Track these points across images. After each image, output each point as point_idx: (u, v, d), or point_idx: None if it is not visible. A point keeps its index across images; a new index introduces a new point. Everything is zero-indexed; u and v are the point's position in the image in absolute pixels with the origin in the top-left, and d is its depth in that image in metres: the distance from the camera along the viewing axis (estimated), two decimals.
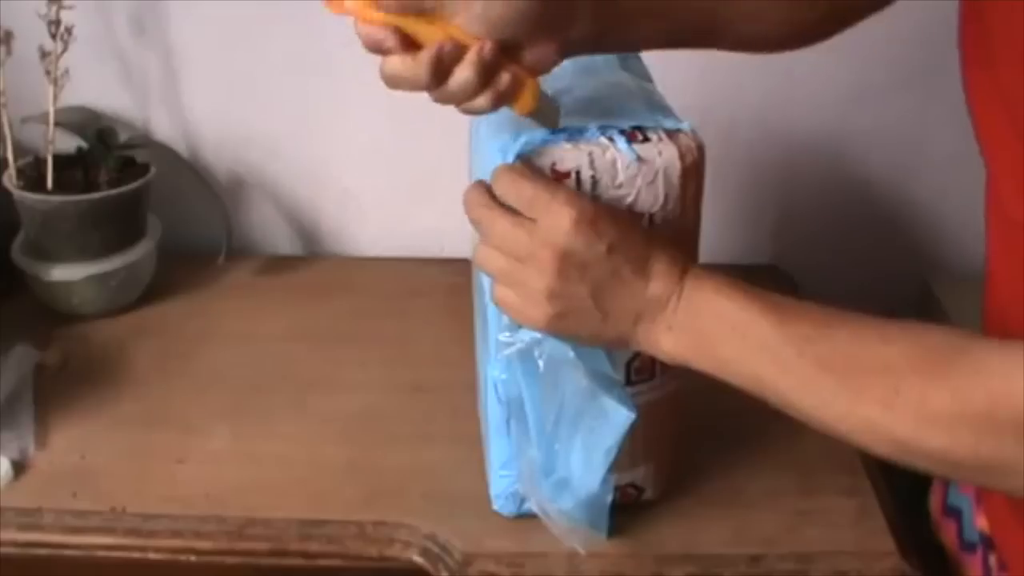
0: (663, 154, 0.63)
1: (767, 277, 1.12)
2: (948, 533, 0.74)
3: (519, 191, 0.59)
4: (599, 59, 0.74)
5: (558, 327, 0.60)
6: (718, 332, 0.57)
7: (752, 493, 0.79)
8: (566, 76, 0.71)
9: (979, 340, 0.52)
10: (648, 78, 0.74)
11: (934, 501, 0.78)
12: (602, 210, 0.59)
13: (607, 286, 0.58)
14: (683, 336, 0.58)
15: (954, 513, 0.74)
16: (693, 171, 0.64)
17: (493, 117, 0.66)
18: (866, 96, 1.09)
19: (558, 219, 0.58)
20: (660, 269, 0.59)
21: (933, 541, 0.77)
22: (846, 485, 0.80)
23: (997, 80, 0.56)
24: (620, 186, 0.62)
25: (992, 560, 0.68)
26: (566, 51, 0.61)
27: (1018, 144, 0.54)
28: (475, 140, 0.74)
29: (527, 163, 0.62)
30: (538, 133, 0.63)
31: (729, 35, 0.67)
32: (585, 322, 0.59)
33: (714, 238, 1.13)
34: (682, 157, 0.63)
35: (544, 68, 0.60)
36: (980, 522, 0.70)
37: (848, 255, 1.16)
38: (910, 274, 1.14)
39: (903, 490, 0.82)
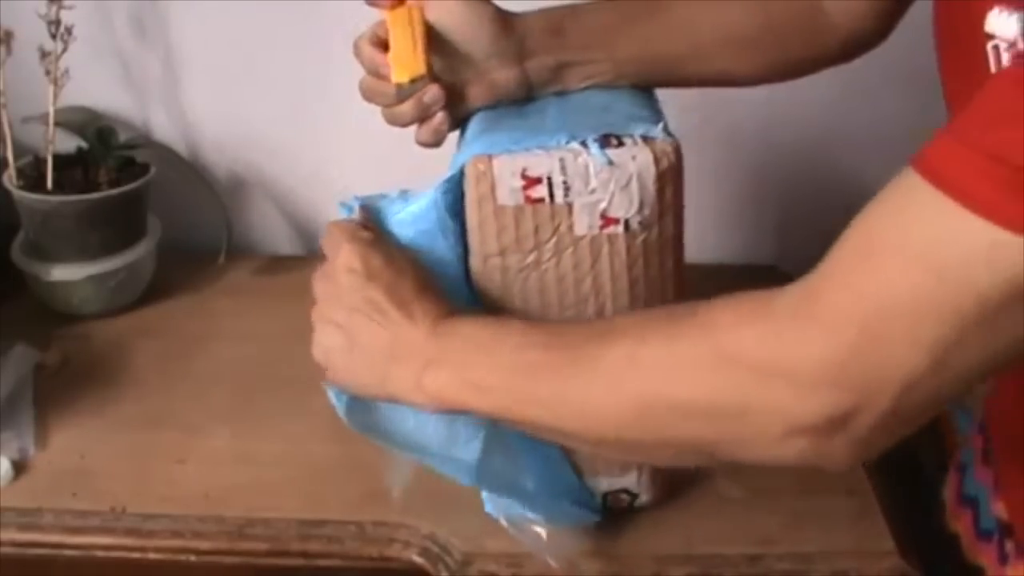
0: (637, 159, 0.62)
1: (767, 277, 1.12)
2: (964, 522, 0.74)
3: (327, 241, 0.65)
4: None
5: (324, 360, 0.63)
6: (469, 354, 0.58)
7: (751, 493, 0.79)
8: None
9: (705, 302, 0.52)
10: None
11: (949, 491, 0.78)
12: (379, 250, 0.62)
13: (360, 315, 0.60)
14: (440, 371, 0.58)
15: (970, 502, 0.74)
16: (669, 175, 0.63)
17: (477, 124, 0.70)
18: (866, 96, 1.09)
19: (334, 254, 0.63)
20: (420, 309, 0.60)
21: (943, 532, 0.77)
22: (846, 485, 0.80)
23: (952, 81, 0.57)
24: (593, 191, 0.63)
25: (1009, 546, 0.68)
26: (530, 85, 0.71)
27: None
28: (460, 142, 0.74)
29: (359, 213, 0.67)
30: (512, 138, 0.64)
31: (695, 77, 0.74)
32: (343, 357, 0.61)
33: (714, 238, 1.14)
34: (656, 162, 0.63)
35: (506, 94, 0.71)
36: (997, 508, 0.70)
37: None
38: None
39: (911, 483, 0.82)
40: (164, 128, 1.13)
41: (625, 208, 0.63)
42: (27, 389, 0.88)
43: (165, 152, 1.07)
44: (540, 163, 0.62)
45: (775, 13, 0.73)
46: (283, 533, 0.75)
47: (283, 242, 1.19)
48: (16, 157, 0.99)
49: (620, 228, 0.63)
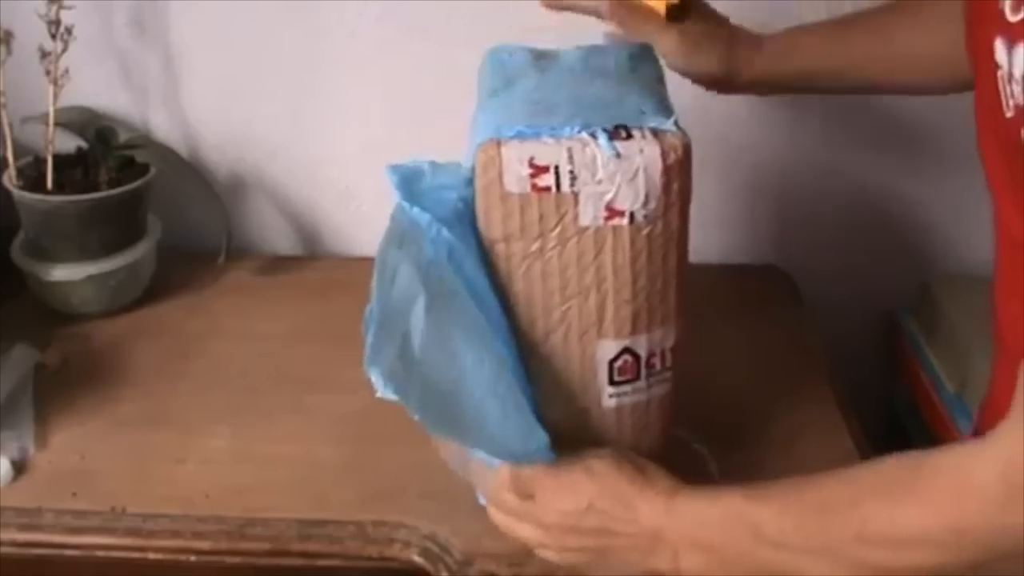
0: (644, 152, 0.63)
1: (767, 277, 1.12)
2: None
3: (524, 483, 0.66)
4: (611, 61, 0.74)
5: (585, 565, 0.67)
6: (714, 539, 0.61)
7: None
8: (572, 78, 0.72)
9: (929, 452, 0.55)
10: (660, 80, 0.74)
11: None
12: (578, 470, 0.65)
13: (603, 534, 0.64)
14: (691, 556, 0.62)
15: None
16: (676, 169, 0.63)
17: (490, 106, 0.69)
18: (866, 96, 1.09)
19: (544, 492, 0.65)
20: (644, 509, 0.63)
21: None
22: None
23: (981, 101, 0.57)
24: (600, 182, 0.63)
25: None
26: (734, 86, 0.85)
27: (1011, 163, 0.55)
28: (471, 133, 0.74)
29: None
30: (523, 123, 0.64)
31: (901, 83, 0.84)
32: (598, 568, 0.66)
33: (714, 238, 1.14)
34: (664, 155, 0.63)
35: (708, 81, 0.85)
36: None
37: (848, 255, 1.16)
38: (910, 274, 1.14)
39: None
40: (164, 128, 1.13)
41: (631, 201, 0.63)
42: (27, 389, 0.88)
43: (165, 152, 1.07)
44: (548, 152, 0.62)
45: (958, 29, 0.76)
46: (283, 533, 0.75)
47: (283, 242, 1.19)
48: (16, 157, 0.99)
49: (625, 220, 0.63)
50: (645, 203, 0.63)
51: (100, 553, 0.74)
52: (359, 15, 1.08)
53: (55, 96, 0.97)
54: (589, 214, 0.63)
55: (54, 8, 0.94)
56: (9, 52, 0.95)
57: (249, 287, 1.09)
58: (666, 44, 0.81)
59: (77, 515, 0.76)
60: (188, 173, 1.09)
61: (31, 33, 0.94)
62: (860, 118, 1.10)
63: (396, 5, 1.06)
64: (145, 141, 1.09)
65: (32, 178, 0.99)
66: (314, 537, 0.74)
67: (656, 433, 0.73)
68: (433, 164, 0.69)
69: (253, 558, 0.74)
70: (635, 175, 0.62)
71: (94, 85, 1.08)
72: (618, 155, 0.62)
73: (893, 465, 0.56)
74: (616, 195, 0.63)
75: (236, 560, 0.74)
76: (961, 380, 1.00)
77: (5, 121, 0.98)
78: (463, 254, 0.65)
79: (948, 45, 0.74)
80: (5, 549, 0.74)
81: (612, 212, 0.63)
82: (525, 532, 0.68)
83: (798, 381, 0.91)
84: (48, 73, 0.96)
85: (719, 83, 0.84)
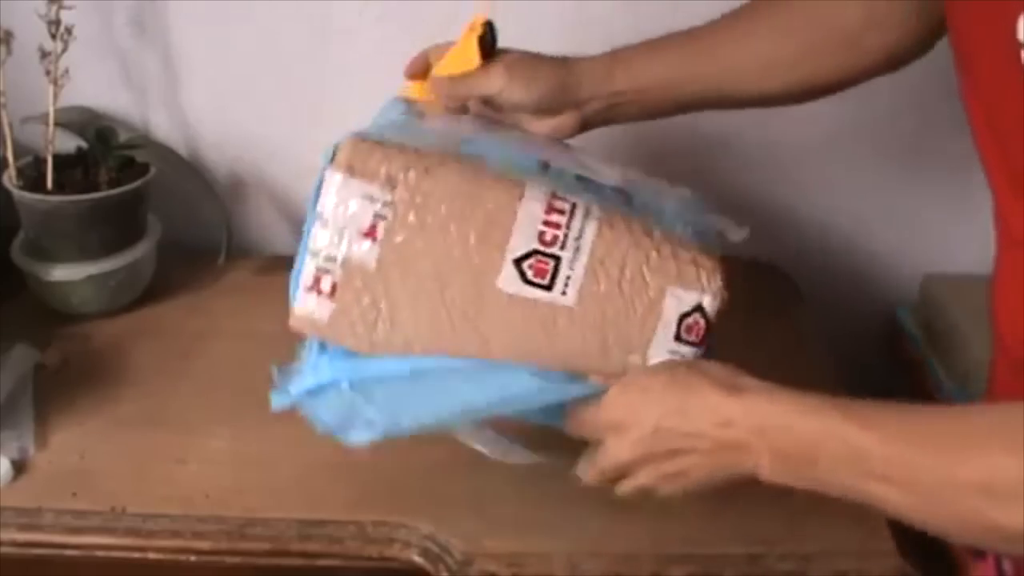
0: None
1: (767, 277, 1.12)
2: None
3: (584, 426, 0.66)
4: None
5: (676, 487, 0.65)
6: (805, 453, 0.59)
7: (752, 493, 0.78)
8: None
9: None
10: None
11: None
12: (634, 395, 0.64)
13: (679, 454, 0.62)
14: (778, 465, 0.60)
15: None
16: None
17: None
18: (866, 95, 1.09)
19: (610, 431, 0.64)
20: (716, 417, 0.61)
21: (937, 544, 0.76)
22: None
23: (980, 97, 0.57)
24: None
25: (1006, 565, 0.67)
26: (586, 125, 0.77)
27: (1007, 164, 0.55)
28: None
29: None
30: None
31: (736, 99, 0.79)
32: (690, 476, 0.64)
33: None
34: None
35: (565, 135, 0.77)
36: None
37: (848, 255, 1.16)
38: (910, 274, 1.14)
39: None
40: (164, 128, 1.13)
41: None
42: (27, 389, 0.88)
43: (165, 152, 1.07)
44: None
45: (807, 37, 0.75)
46: (283, 533, 0.75)
47: (283, 242, 1.19)
48: (16, 157, 0.99)
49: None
50: None
51: (100, 553, 0.74)
52: (359, 15, 1.08)
53: (55, 96, 0.97)
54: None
55: (54, 8, 0.94)
56: (9, 52, 0.95)
57: (249, 287, 1.09)
58: (496, 80, 0.75)
59: (77, 515, 0.76)
60: (188, 173, 1.09)
61: (31, 33, 0.94)
62: (860, 116, 1.10)
63: (396, 5, 1.06)
64: (145, 141, 1.09)
65: (32, 178, 0.99)
66: (314, 537, 0.74)
67: None
68: None
69: (253, 558, 0.74)
70: None
71: (94, 85, 1.08)
72: None
73: (1017, 414, 0.51)
74: None
75: (236, 560, 0.74)
76: (961, 379, 1.00)
77: (5, 121, 0.98)
78: None
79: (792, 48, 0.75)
80: (5, 549, 0.74)
81: None
82: (624, 462, 0.65)
83: (798, 381, 0.91)
84: (48, 73, 0.96)
85: (569, 103, 0.77)
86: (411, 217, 0.65)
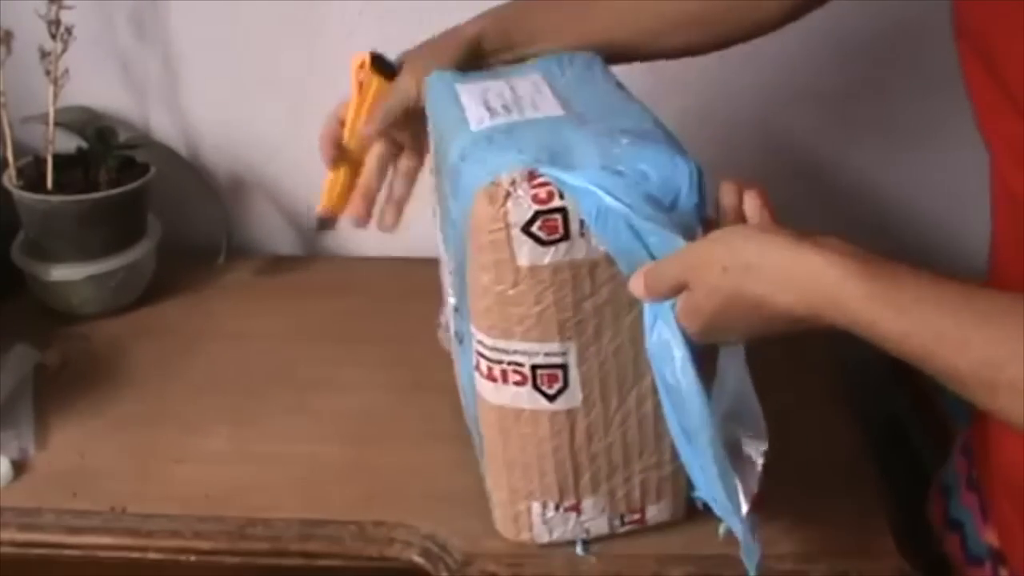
0: None
1: None
2: (952, 545, 0.74)
3: (662, 279, 0.59)
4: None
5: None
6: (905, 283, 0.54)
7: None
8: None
9: None
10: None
11: (935, 513, 0.77)
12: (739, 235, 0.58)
13: (763, 300, 0.56)
14: (867, 284, 0.55)
15: (956, 526, 0.74)
16: None
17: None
18: (866, 94, 1.09)
19: (697, 281, 0.57)
20: (813, 263, 0.57)
21: (935, 550, 0.77)
22: (846, 485, 0.80)
23: (993, 58, 0.56)
24: None
25: (1004, 573, 0.67)
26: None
27: (1017, 121, 0.54)
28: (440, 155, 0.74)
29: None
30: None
31: (643, 56, 0.78)
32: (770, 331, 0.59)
33: None
34: None
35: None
36: (989, 536, 0.69)
37: None
38: None
39: (906, 496, 0.82)
40: (164, 128, 1.13)
41: None
42: (27, 389, 0.88)
43: (165, 152, 1.07)
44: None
45: None
46: (283, 533, 0.75)
47: (283, 242, 1.19)
48: (16, 157, 0.99)
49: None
50: None
51: (100, 553, 0.74)
52: (359, 15, 1.08)
53: (55, 96, 0.97)
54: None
55: (54, 8, 0.94)
56: (9, 52, 0.95)
57: (249, 287, 1.09)
58: (408, 83, 0.77)
59: (77, 515, 0.76)
60: (188, 173, 1.09)
61: (31, 33, 0.94)
62: (860, 116, 1.10)
63: (396, 5, 1.06)
64: (145, 141, 1.09)
65: (32, 178, 0.99)
66: (314, 537, 0.74)
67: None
68: None
69: (253, 558, 0.74)
70: None
71: (94, 85, 1.08)
72: None
73: None
74: None
75: (236, 560, 0.74)
76: None
77: (5, 121, 0.98)
78: None
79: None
80: (5, 549, 0.74)
81: None
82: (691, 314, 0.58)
83: (798, 381, 0.91)
84: (48, 73, 0.96)
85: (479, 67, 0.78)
86: None
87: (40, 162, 0.99)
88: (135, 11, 1.08)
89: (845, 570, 0.72)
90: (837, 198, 1.14)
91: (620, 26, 0.78)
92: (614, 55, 0.78)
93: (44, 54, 0.95)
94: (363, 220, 0.84)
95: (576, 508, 0.70)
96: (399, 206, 0.85)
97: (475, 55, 0.78)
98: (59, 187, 0.98)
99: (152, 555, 0.74)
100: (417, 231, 1.16)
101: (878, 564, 0.73)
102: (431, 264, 1.10)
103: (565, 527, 0.71)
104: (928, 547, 0.77)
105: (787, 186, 1.15)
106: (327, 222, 0.86)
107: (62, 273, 0.98)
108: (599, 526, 0.72)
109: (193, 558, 0.74)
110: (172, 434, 0.85)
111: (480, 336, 0.65)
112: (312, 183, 1.17)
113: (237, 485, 0.79)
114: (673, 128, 0.67)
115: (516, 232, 0.61)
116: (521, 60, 0.79)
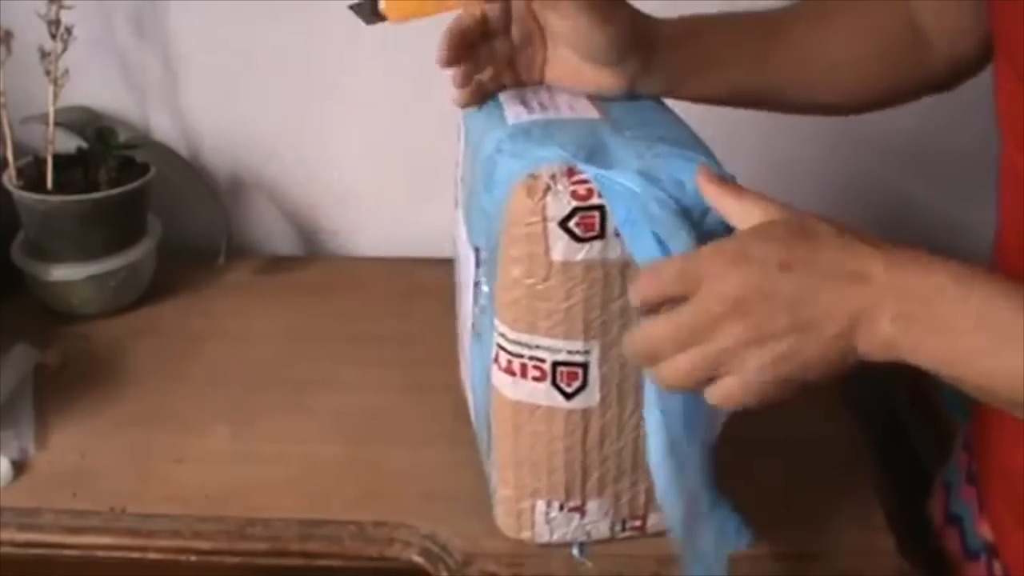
0: None
1: None
2: (951, 541, 0.74)
3: (662, 281, 0.53)
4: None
5: (778, 375, 0.51)
6: (959, 324, 0.49)
7: (752, 493, 0.78)
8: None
9: None
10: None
11: (936, 509, 0.78)
12: (748, 238, 0.53)
13: (800, 300, 0.50)
14: (912, 328, 0.50)
15: (956, 521, 0.74)
16: None
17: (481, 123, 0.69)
18: None
19: (711, 274, 0.51)
20: (856, 267, 0.51)
21: (934, 547, 0.77)
22: (846, 485, 0.80)
23: (1012, 45, 0.57)
24: None
25: (996, 567, 0.68)
26: (633, 87, 0.69)
27: None
28: (468, 142, 0.74)
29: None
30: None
31: (805, 96, 0.73)
32: (802, 350, 0.51)
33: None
34: None
35: (610, 92, 0.69)
36: (983, 529, 0.70)
37: None
38: None
39: (906, 496, 0.82)
40: (164, 128, 1.13)
41: None
42: (27, 389, 0.88)
43: (165, 152, 1.07)
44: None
45: (884, 37, 0.71)
46: (283, 533, 0.75)
47: (283, 242, 1.19)
48: (16, 157, 0.99)
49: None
50: None
51: (100, 553, 0.74)
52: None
53: (55, 96, 0.97)
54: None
55: (54, 8, 0.94)
56: (9, 52, 0.95)
57: (249, 287, 1.09)
58: (571, 6, 0.66)
59: (77, 515, 0.76)
60: (188, 173, 1.09)
61: (31, 33, 0.94)
62: (859, 116, 1.10)
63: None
64: (145, 141, 1.09)
65: (32, 178, 0.99)
66: (314, 537, 0.74)
67: None
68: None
69: (253, 558, 0.74)
70: None
71: (94, 85, 1.08)
72: None
73: None
74: None
75: (236, 560, 0.74)
76: None
77: (5, 121, 0.98)
78: None
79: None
80: (5, 549, 0.74)
81: None
82: (684, 360, 0.51)
83: None
84: (48, 73, 0.96)
85: (631, 58, 0.68)
86: None
87: (40, 162, 0.99)
88: (135, 11, 1.08)
89: (845, 570, 0.72)
90: (838, 198, 1.14)
91: (787, 65, 0.72)
92: (769, 99, 0.74)
93: (44, 54, 0.95)
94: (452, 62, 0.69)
95: (580, 509, 0.70)
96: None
97: (639, 43, 0.68)
98: (59, 187, 0.98)
99: (152, 555, 0.74)
100: (417, 231, 1.16)
101: (878, 564, 0.73)
102: (431, 264, 1.11)
103: (567, 528, 0.71)
104: (928, 545, 0.77)
105: (788, 186, 1.15)
106: (375, 14, 0.72)
107: (62, 273, 0.98)
108: (600, 529, 0.72)
109: (193, 558, 0.74)
110: (172, 434, 0.85)
111: (503, 329, 0.65)
112: (312, 183, 1.18)
113: (237, 485, 0.79)
114: None
115: (553, 226, 0.61)
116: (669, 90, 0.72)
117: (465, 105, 0.71)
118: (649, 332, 0.53)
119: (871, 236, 0.54)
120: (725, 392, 0.52)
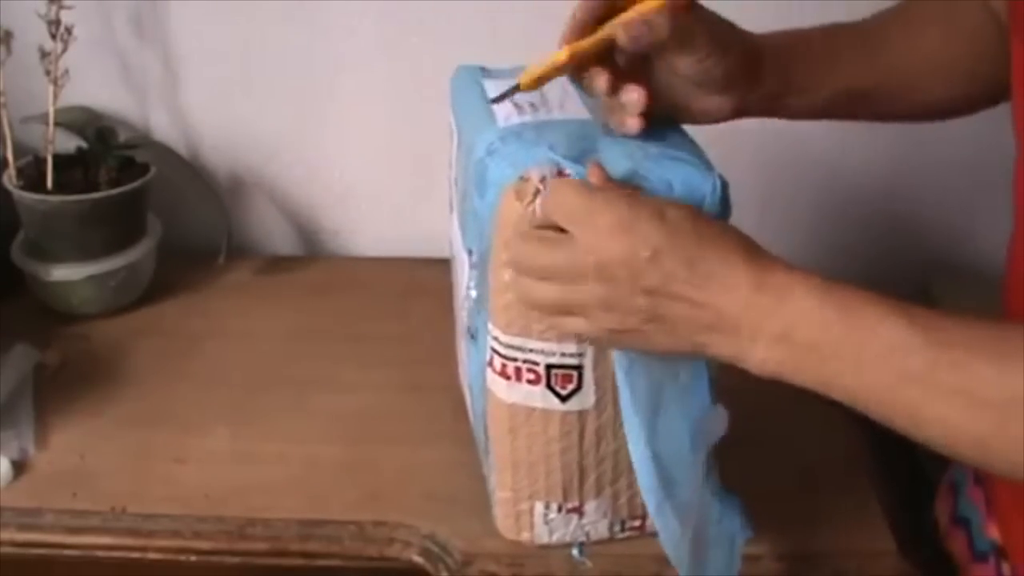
0: None
1: None
2: (958, 543, 0.74)
3: (559, 205, 0.56)
4: None
5: (620, 341, 0.56)
6: (819, 341, 0.51)
7: (752, 493, 0.78)
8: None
9: None
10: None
11: (943, 510, 0.77)
12: (646, 211, 0.54)
13: (662, 295, 0.53)
14: (776, 351, 0.52)
15: (963, 523, 0.74)
16: None
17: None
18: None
19: (594, 228, 0.54)
20: (724, 276, 0.53)
21: (938, 548, 0.77)
22: (846, 485, 0.80)
23: None
24: None
25: (1005, 569, 0.68)
26: (741, 112, 0.68)
27: None
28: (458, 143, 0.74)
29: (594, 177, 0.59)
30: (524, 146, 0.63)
31: (903, 101, 0.72)
32: (649, 336, 0.55)
33: None
34: None
35: (713, 119, 0.68)
36: (991, 531, 0.69)
37: (847, 255, 1.16)
38: (910, 274, 1.14)
39: (906, 496, 0.82)
40: (164, 128, 1.13)
41: None
42: (27, 389, 0.88)
43: (165, 152, 1.07)
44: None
45: (973, 35, 0.70)
46: (283, 533, 0.75)
47: (283, 242, 1.19)
48: (16, 157, 0.99)
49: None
50: None
51: (100, 553, 0.74)
52: (359, 15, 1.08)
53: (55, 96, 0.97)
54: None
55: (54, 8, 0.94)
56: (9, 52, 0.95)
57: (249, 287, 1.09)
58: (694, 37, 0.62)
59: (77, 515, 0.76)
60: (188, 173, 1.09)
61: (31, 33, 0.94)
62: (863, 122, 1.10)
63: (396, 5, 1.06)
64: (145, 141, 1.09)
65: (32, 178, 0.99)
66: (314, 537, 0.74)
67: None
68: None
69: (253, 558, 0.74)
70: None
71: (94, 85, 1.08)
72: None
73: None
74: None
75: (236, 560, 0.74)
76: None
77: (5, 121, 0.98)
78: None
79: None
80: (5, 549, 0.74)
81: None
82: (547, 291, 0.56)
83: None
84: (48, 73, 0.96)
85: (741, 82, 0.66)
86: None
87: (40, 162, 0.99)
88: (135, 11, 1.08)
89: (845, 570, 0.72)
90: (839, 198, 1.14)
91: (886, 70, 0.70)
92: (868, 106, 0.72)
93: (44, 54, 0.95)
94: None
95: (579, 510, 0.70)
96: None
97: (751, 67, 0.66)
98: (59, 187, 0.98)
99: (152, 555, 0.74)
100: (417, 231, 1.17)
101: (878, 564, 0.73)
102: (431, 264, 1.11)
103: (566, 529, 0.71)
104: (929, 546, 0.77)
105: (788, 186, 1.15)
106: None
107: (62, 273, 0.98)
108: (599, 530, 0.72)
109: (193, 558, 0.74)
110: (172, 434, 0.85)
111: (496, 332, 0.65)
112: (312, 183, 1.18)
113: (237, 485, 0.79)
114: None
115: None
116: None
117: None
118: (531, 252, 0.57)
119: (756, 253, 0.54)
120: (575, 329, 0.57)
